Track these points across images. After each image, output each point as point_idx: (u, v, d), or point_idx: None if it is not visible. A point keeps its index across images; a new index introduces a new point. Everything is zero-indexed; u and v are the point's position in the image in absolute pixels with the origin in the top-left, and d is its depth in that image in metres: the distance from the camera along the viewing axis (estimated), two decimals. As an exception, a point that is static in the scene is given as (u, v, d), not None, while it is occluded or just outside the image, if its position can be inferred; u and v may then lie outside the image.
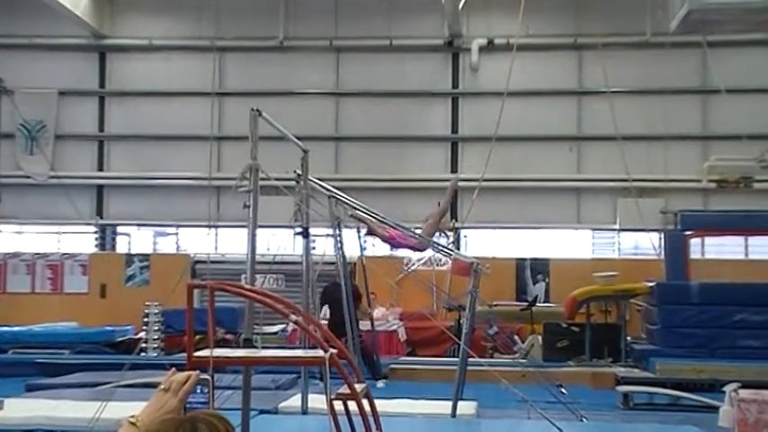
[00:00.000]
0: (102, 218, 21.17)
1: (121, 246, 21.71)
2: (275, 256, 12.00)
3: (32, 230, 21.38)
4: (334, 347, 5.93)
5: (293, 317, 6.12)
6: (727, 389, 8.97)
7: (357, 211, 11.56)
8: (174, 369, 2.61)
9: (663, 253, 17.50)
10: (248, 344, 7.50)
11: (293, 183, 10.25)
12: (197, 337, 6.11)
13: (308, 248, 10.13)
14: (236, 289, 6.51)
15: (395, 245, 12.53)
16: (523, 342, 16.51)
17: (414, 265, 18.90)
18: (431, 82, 20.55)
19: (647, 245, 18.56)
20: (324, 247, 12.83)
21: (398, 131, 20.32)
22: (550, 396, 10.89)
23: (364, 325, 14.16)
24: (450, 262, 15.67)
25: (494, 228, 20.24)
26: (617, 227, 19.84)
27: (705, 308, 15.30)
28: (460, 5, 18.81)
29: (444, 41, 20.29)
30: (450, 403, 10.13)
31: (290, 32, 20.47)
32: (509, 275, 19.03)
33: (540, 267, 19.34)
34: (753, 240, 19.41)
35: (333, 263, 12.73)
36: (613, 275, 16.27)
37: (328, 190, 11.51)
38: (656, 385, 12.78)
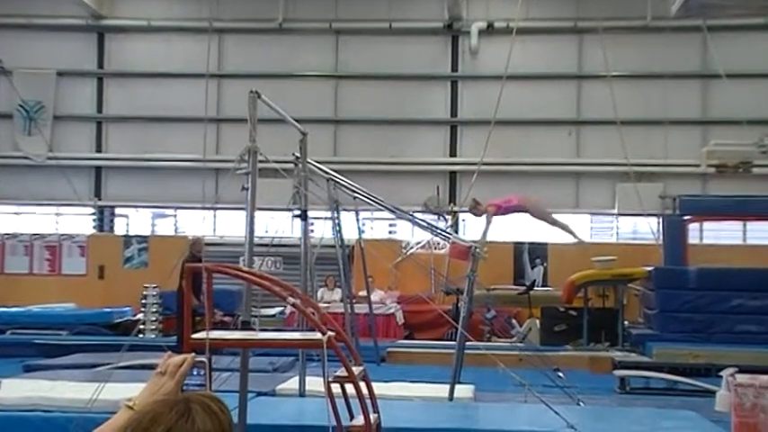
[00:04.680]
0: (100, 199, 21.15)
1: (120, 227, 21.70)
2: (273, 238, 12.02)
3: (30, 211, 21.36)
4: (332, 330, 5.94)
5: (291, 299, 6.12)
6: (723, 373, 8.95)
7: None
8: (169, 352, 2.62)
9: (661, 238, 17.49)
10: (246, 326, 7.50)
11: (292, 165, 10.23)
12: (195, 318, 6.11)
13: (306, 231, 10.11)
14: (233, 271, 6.52)
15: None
16: (521, 326, 16.51)
17: (412, 248, 18.90)
18: (430, 65, 20.49)
19: (646, 230, 18.53)
20: (322, 229, 12.82)
21: (398, 114, 20.27)
22: (548, 380, 10.91)
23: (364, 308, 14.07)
24: (448, 246, 15.66)
25: (492, 211, 20.16)
26: (615, 211, 19.84)
27: (703, 293, 15.28)
28: (460, -12, 18.74)
29: (444, 24, 20.20)
30: (447, 387, 10.14)
31: (290, 14, 20.39)
32: (507, 259, 19.02)
33: (538, 251, 19.33)
34: (751, 225, 19.43)
35: (331, 246, 12.74)
36: (611, 260, 16.24)
37: (327, 173, 11.51)
38: (653, 370, 12.81)
